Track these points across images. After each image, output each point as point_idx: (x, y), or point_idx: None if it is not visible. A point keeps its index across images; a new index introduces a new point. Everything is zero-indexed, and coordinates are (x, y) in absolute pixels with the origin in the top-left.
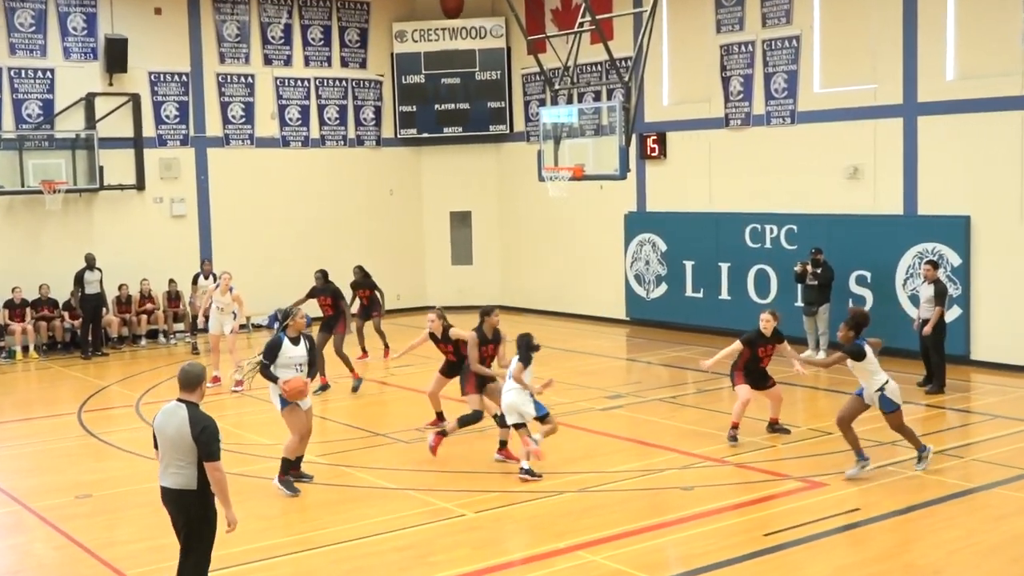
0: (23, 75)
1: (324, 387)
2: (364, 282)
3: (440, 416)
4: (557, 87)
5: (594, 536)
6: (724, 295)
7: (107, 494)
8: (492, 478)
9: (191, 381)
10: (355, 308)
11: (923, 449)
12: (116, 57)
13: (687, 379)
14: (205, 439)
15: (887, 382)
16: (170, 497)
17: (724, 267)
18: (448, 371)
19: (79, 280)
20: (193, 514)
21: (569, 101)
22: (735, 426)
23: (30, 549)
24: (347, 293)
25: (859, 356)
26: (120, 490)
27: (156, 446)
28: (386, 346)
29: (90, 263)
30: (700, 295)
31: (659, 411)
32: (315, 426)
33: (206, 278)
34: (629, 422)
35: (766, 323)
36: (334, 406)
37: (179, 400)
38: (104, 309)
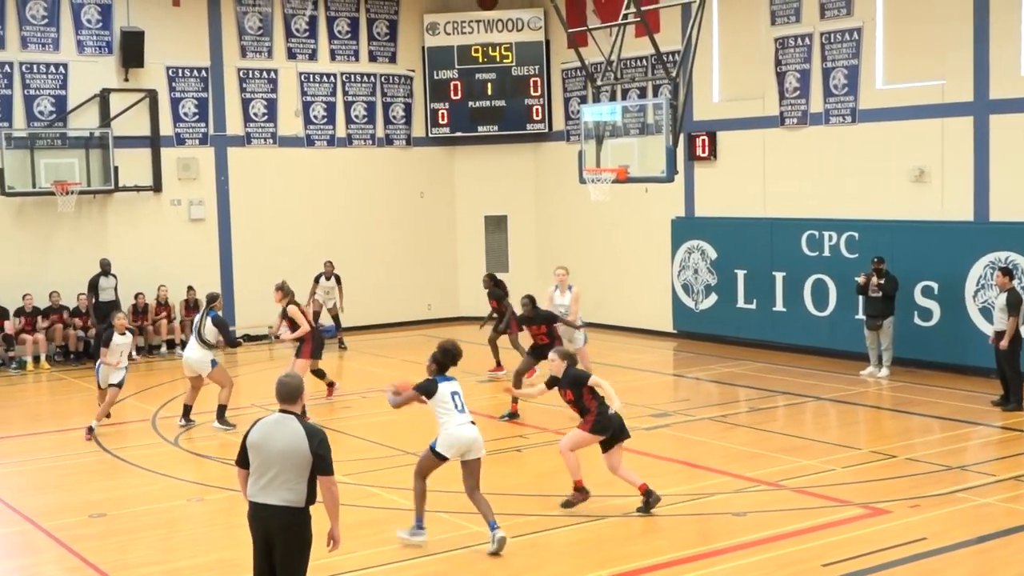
0: (35, 70)
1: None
2: (493, 292)
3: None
4: (599, 83)
5: (639, 564)
6: (779, 306)
7: (121, 513)
8: (530, 501)
9: (292, 392)
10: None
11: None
12: (132, 51)
13: (739, 397)
14: (324, 452)
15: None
16: (274, 514)
17: (779, 276)
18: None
19: (93, 286)
20: (297, 534)
21: (612, 98)
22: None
23: (40, 571)
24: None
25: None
26: (135, 509)
27: (242, 462)
28: (498, 363)
29: (105, 269)
30: (753, 306)
31: (709, 431)
32: (339, 444)
33: (328, 279)
34: (677, 442)
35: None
36: (358, 423)
37: (282, 411)
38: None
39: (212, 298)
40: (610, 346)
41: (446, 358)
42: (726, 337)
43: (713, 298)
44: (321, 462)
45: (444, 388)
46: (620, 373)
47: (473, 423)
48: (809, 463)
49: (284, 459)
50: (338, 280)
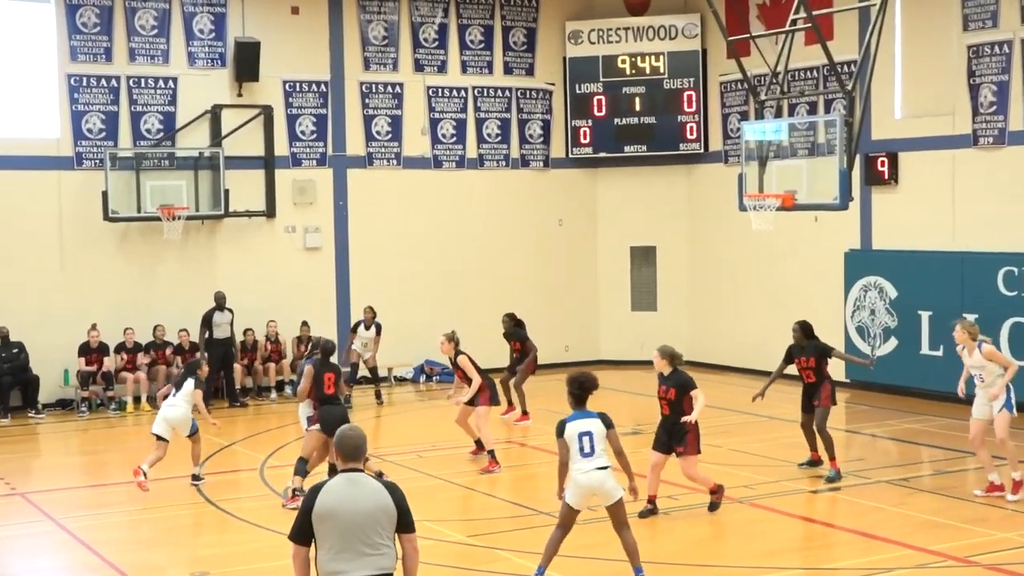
0: (143, 84)
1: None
2: (515, 333)
3: (479, 444)
4: (763, 97)
5: None
6: None
7: (228, 572)
8: (674, 571)
9: (359, 449)
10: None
11: None
12: (247, 63)
13: (922, 457)
14: (406, 506)
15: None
16: None
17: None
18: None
19: (207, 322)
20: None
21: (778, 114)
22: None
23: None
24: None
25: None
26: (243, 568)
27: (304, 538)
28: (523, 410)
29: (220, 303)
30: (939, 353)
31: (887, 496)
32: (462, 501)
33: (367, 328)
34: (850, 508)
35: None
36: (487, 478)
37: (349, 471)
38: (234, 355)
39: (313, 345)
40: (771, 396)
41: (574, 388)
42: (908, 388)
43: (892, 343)
44: (406, 516)
45: (572, 428)
46: (781, 427)
47: (602, 468)
48: (1006, 536)
49: (372, 520)
50: (378, 329)
